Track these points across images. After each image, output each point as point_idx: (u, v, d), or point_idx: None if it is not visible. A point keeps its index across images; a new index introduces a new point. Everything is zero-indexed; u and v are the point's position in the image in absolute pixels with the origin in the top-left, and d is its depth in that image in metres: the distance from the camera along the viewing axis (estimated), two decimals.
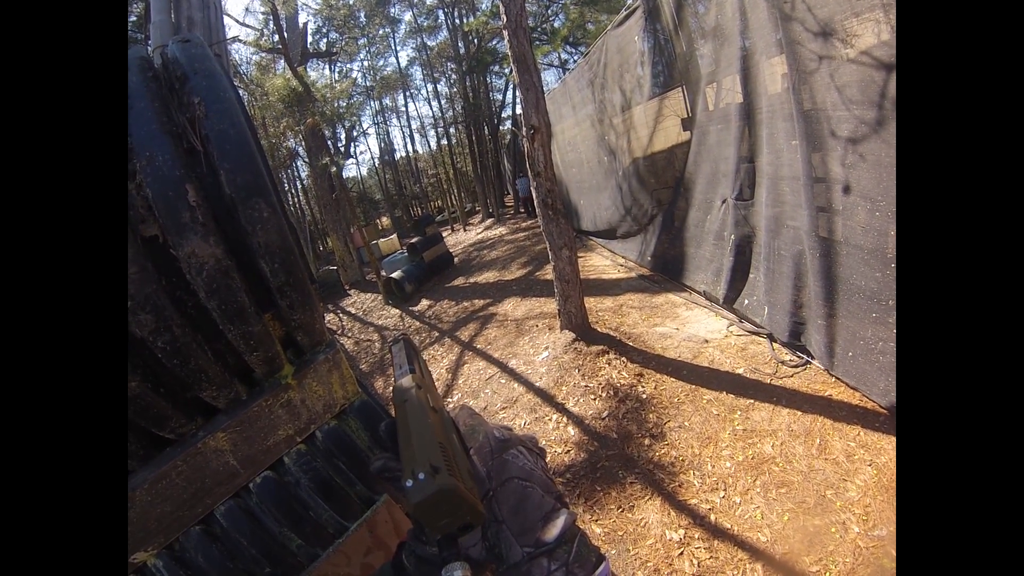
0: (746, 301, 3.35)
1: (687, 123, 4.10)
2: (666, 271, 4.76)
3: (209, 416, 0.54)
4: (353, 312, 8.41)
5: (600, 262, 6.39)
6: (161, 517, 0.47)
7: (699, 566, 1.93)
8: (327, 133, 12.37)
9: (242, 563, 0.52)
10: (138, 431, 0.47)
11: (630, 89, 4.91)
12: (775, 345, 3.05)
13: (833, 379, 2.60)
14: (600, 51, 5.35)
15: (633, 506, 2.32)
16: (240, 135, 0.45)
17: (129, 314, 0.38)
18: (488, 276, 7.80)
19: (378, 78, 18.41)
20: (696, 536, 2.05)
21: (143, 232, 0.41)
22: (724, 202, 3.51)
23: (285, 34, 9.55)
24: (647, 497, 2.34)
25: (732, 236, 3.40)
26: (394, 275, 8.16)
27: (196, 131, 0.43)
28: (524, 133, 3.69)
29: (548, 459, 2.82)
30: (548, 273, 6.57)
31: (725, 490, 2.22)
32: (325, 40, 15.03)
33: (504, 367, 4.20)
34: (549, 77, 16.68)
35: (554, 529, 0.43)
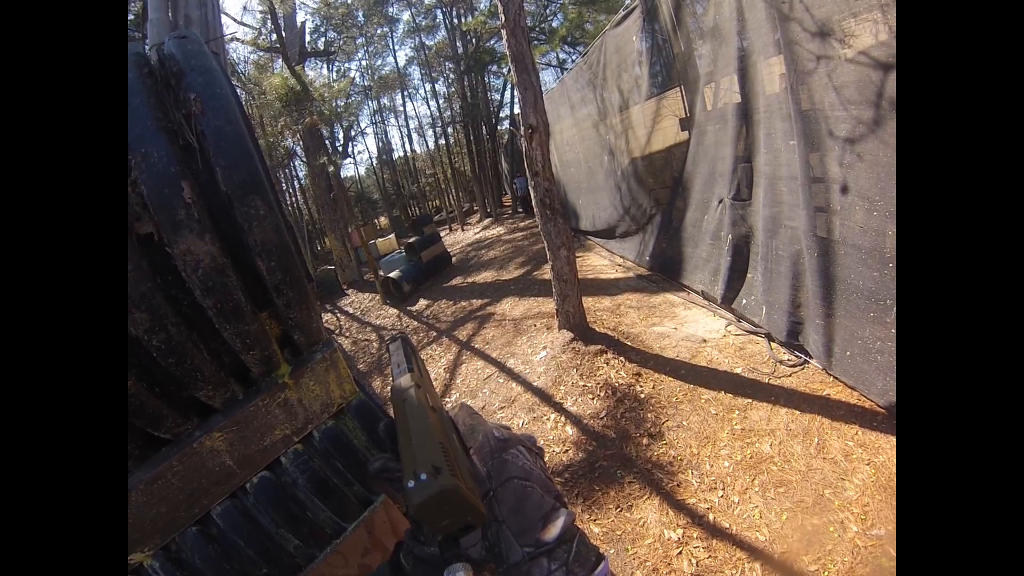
0: (744, 301, 3.35)
1: (685, 123, 4.10)
2: (664, 271, 4.76)
3: (205, 416, 0.53)
4: (351, 312, 8.39)
5: (598, 262, 6.39)
6: (157, 518, 0.47)
7: (697, 565, 1.93)
8: (325, 132, 12.34)
9: (239, 564, 0.51)
10: (133, 431, 0.46)
11: (628, 89, 4.91)
12: (773, 345, 3.05)
13: (831, 379, 2.60)
14: (598, 51, 5.35)
15: (631, 505, 2.32)
16: (236, 132, 0.44)
17: None
18: (486, 276, 7.79)
19: (376, 77, 18.40)
20: (695, 535, 2.05)
21: (138, 230, 0.41)
22: (721, 202, 3.51)
23: (283, 33, 9.53)
24: (645, 496, 2.34)
25: (729, 236, 3.40)
26: (392, 275, 8.15)
27: (192, 128, 0.43)
28: (522, 133, 3.69)
29: (547, 459, 2.81)
30: (546, 273, 6.56)
31: (723, 489, 2.22)
32: (323, 39, 14.99)
33: (502, 367, 4.19)
34: (547, 77, 16.69)
35: (554, 529, 0.43)
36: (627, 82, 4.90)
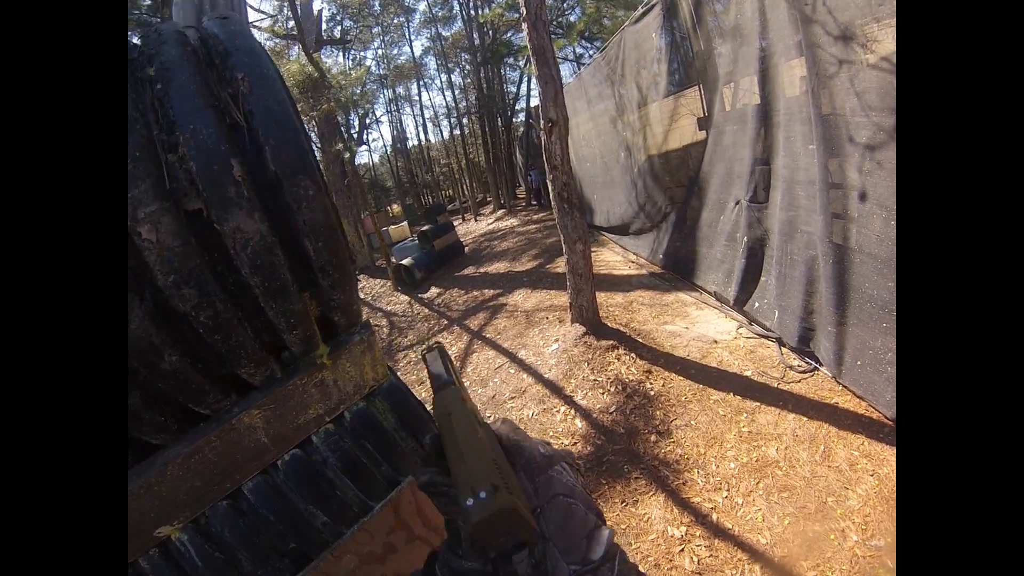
0: (756, 304, 3.35)
1: (703, 122, 4.07)
2: (677, 270, 4.75)
3: (243, 392, 0.54)
4: (362, 297, 8.49)
5: (611, 258, 6.39)
6: (191, 491, 0.48)
7: (699, 564, 1.97)
8: (341, 120, 12.39)
9: (268, 538, 0.54)
10: (175, 406, 0.48)
11: (647, 86, 4.87)
12: (784, 350, 3.06)
13: (840, 387, 2.60)
14: (617, 47, 5.30)
15: (637, 501, 2.36)
16: (285, 112, 0.45)
17: (172, 288, 0.38)
18: (498, 267, 7.82)
19: (392, 67, 18.37)
20: (697, 534, 2.09)
21: (186, 206, 0.40)
22: (737, 203, 3.50)
23: (300, 20, 9.54)
24: (651, 493, 2.38)
25: (744, 238, 3.39)
26: (404, 262, 8.22)
27: (239, 107, 0.43)
28: (542, 126, 3.69)
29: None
30: (559, 266, 6.58)
31: (728, 491, 2.25)
32: (339, 27, 14.98)
33: (513, 357, 4.23)
34: (564, 71, 16.48)
35: (598, 547, 0.43)
36: (645, 79, 4.86)
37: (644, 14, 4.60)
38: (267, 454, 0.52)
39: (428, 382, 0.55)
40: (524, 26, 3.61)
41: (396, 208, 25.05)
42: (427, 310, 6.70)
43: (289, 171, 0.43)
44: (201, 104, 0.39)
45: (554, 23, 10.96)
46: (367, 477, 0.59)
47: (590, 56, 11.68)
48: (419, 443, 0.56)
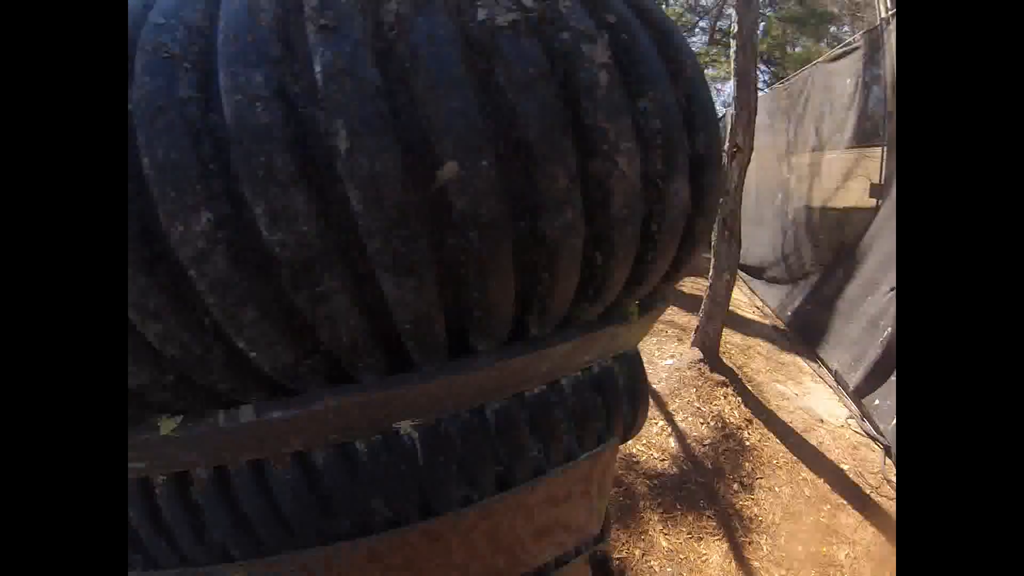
0: (877, 401, 3.23)
1: (876, 190, 3.81)
2: (802, 333, 4.58)
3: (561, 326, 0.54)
4: None
5: (738, 296, 6.15)
6: (447, 397, 0.48)
7: None
8: None
9: (490, 454, 0.54)
10: (522, 327, 0.48)
11: (827, 133, 4.60)
12: (889, 461, 2.96)
13: None
14: (804, 82, 5.01)
15: (702, 538, 2.49)
16: (713, 106, 0.48)
17: (620, 222, 0.40)
18: None
19: None
20: None
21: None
22: (892, 290, 3.33)
23: None
24: (717, 537, 2.50)
25: (889, 329, 3.25)
26: None
27: (681, 88, 0.46)
28: (726, 150, 3.78)
29: (643, 460, 3.09)
30: (685, 285, 6.39)
31: (787, 571, 2.35)
32: None
33: None
34: (728, 87, 15.04)
35: None
36: (827, 125, 4.58)
37: (842, 55, 4.31)
38: (527, 384, 0.52)
39: None
40: (732, 43, 3.65)
41: None
42: None
43: (713, 159, 0.46)
44: (665, 71, 0.42)
45: (728, 35, 10.08)
46: (585, 427, 0.61)
47: (764, 81, 10.61)
48: (632, 410, 0.62)
